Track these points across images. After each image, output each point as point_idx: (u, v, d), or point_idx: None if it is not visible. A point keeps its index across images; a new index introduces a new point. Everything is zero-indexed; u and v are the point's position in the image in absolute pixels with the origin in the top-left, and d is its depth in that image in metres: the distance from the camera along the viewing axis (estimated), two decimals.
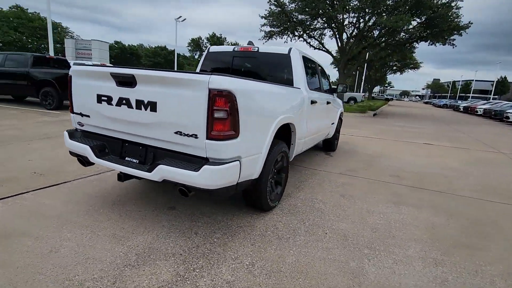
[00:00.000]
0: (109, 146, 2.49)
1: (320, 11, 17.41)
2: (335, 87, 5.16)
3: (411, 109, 32.24)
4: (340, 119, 6.19)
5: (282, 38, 20.95)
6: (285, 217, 2.83)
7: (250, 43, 3.85)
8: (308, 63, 4.02)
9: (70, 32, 33.57)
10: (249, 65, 3.85)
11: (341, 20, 18.83)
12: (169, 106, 2.06)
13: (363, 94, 27.55)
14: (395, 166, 5.10)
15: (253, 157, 2.35)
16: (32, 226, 2.34)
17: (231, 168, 2.07)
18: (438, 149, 7.20)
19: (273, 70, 3.68)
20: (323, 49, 20.89)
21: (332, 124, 5.31)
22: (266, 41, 20.83)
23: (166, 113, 2.07)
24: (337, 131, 6.07)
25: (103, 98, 2.33)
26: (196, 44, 49.13)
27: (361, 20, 18.78)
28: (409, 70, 32.50)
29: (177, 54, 55.23)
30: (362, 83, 37.57)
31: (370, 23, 18.49)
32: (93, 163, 2.49)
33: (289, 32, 20.34)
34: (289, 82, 3.51)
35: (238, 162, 2.14)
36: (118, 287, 1.75)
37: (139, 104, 2.16)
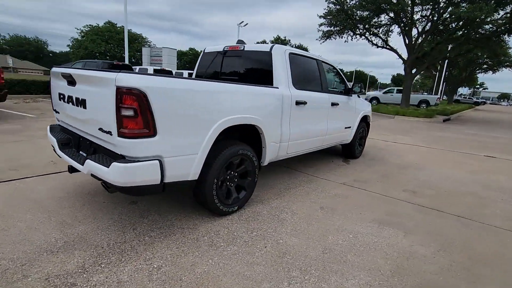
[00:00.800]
0: (73, 141, 2.73)
1: (383, 5, 15.90)
2: (351, 88, 4.63)
3: (504, 115, 26.90)
4: (366, 123, 5.55)
5: (341, 38, 19.89)
6: (236, 224, 2.65)
7: (239, 42, 3.74)
8: (302, 61, 3.71)
9: (148, 42, 39.17)
10: (236, 64, 3.75)
11: (410, 14, 16.86)
12: (93, 103, 2.15)
13: (438, 96, 24.04)
14: (420, 180, 4.32)
15: (185, 157, 2.28)
16: (8, 206, 2.71)
17: (146, 166, 2.04)
18: (497, 163, 5.83)
19: (256, 68, 3.50)
20: (387, 47, 19.02)
21: (347, 128, 4.78)
22: (323, 41, 20.06)
23: (91, 110, 2.17)
24: (361, 136, 5.45)
25: (60, 96, 2.57)
26: None
27: (435, 12, 16.48)
28: (504, 68, 26.96)
29: None
30: (442, 84, 32.94)
31: (445, 15, 16.08)
32: (78, 171, 2.47)
33: (349, 31, 19.18)
34: (270, 81, 3.29)
35: (158, 161, 2.09)
36: (24, 269, 1.89)
37: (77, 101, 2.30)
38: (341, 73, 4.70)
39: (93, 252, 2.11)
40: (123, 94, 1.90)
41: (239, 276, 1.95)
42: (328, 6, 18.41)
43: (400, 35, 18.13)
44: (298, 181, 3.97)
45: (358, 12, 17.67)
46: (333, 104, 4.18)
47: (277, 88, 3.21)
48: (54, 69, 2.74)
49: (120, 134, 1.97)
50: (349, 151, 5.31)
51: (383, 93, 24.60)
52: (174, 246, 2.25)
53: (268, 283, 1.89)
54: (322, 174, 4.34)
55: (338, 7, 17.98)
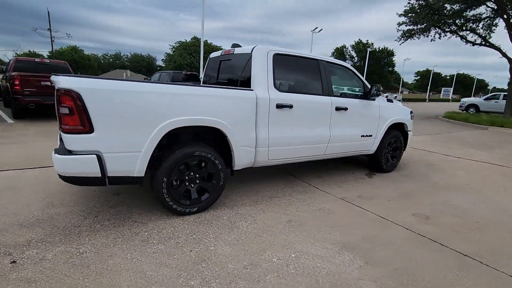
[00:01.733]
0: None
1: None
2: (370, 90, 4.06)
3: None
4: (402, 133, 4.75)
5: (426, 37, 17.46)
6: (186, 225, 2.66)
7: (234, 45, 3.74)
8: (293, 63, 3.47)
9: None
10: (228, 68, 3.75)
11: None
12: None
13: None
14: (449, 205, 3.45)
15: (126, 154, 2.43)
16: (27, 185, 3.37)
17: (82, 159, 2.27)
18: None
19: (240, 71, 3.43)
20: (487, 44, 15.73)
21: (366, 136, 4.19)
22: (403, 42, 17.98)
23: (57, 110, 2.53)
24: (394, 147, 4.70)
25: None
26: (339, 53, 48.11)
27: None
28: None
29: None
30: None
31: None
32: None
33: (437, 28, 16.70)
34: (250, 83, 3.19)
35: (96, 156, 2.30)
36: None
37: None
38: (359, 76, 4.17)
39: (47, 231, 2.44)
40: (61, 95, 2.17)
41: (139, 274, 1.96)
42: (409, 3, 16.47)
43: (505, 30, 14.78)
44: (291, 190, 3.69)
45: (447, 5, 15.23)
46: (338, 109, 3.74)
47: (252, 90, 3.09)
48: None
49: (62, 130, 2.25)
50: (374, 163, 4.64)
51: (485, 99, 20.35)
52: (112, 237, 2.41)
53: (159, 286, 1.85)
54: (327, 185, 3.92)
55: (421, 2, 15.90)
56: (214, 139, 3.04)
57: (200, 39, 42.87)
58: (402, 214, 3.14)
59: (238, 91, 2.99)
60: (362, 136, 4.16)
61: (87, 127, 2.24)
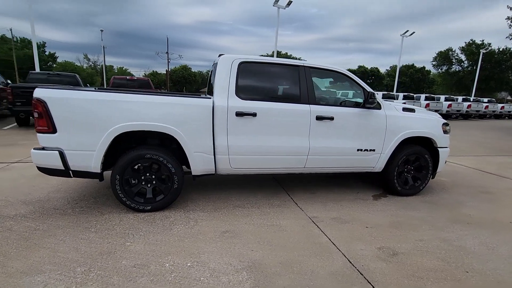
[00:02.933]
0: None
1: None
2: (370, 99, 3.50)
3: None
4: (428, 149, 3.90)
5: None
6: (125, 220, 2.91)
7: (220, 55, 3.85)
8: (263, 70, 3.36)
9: None
10: (212, 77, 3.88)
11: None
12: None
13: None
14: (451, 244, 2.66)
15: (83, 153, 2.87)
16: None
17: (47, 154, 2.81)
18: None
19: (213, 79, 3.51)
20: None
21: (364, 151, 3.61)
22: None
23: None
24: (418, 166, 3.90)
25: None
26: (444, 57, 40.80)
27: None
28: None
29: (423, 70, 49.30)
30: None
31: None
32: None
33: None
34: None
35: (58, 152, 2.81)
36: None
37: None
38: (359, 82, 3.65)
39: (31, 208, 3.09)
40: (34, 103, 2.77)
41: (56, 253, 2.29)
42: None
43: None
44: (265, 202, 3.53)
45: None
46: (320, 118, 3.39)
47: (209, 98, 3.15)
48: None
49: (35, 130, 2.85)
50: (385, 184, 3.94)
51: None
52: (68, 220, 2.87)
53: (54, 266, 2.13)
54: (311, 202, 3.57)
55: None
56: (177, 144, 3.22)
57: (280, 51, 44.58)
58: (365, 244, 2.61)
59: (191, 99, 3.12)
60: (359, 150, 3.61)
61: (51, 128, 2.78)
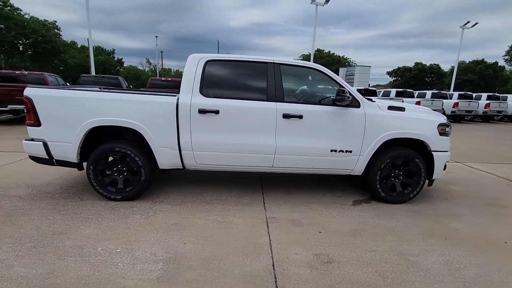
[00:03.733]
0: None
1: None
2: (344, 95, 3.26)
3: None
4: (423, 152, 3.49)
5: None
6: (101, 207, 3.20)
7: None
8: (230, 68, 3.37)
9: (352, 62, 40.23)
10: None
11: None
12: None
13: None
14: (404, 258, 2.37)
15: (62, 144, 3.23)
16: None
17: (33, 144, 3.24)
18: None
19: None
20: None
21: (342, 152, 3.38)
22: None
23: None
24: (407, 171, 3.53)
25: None
26: None
27: None
28: None
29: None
30: None
31: None
32: None
33: None
34: None
35: (42, 143, 3.23)
36: (8, 187, 3.69)
37: None
38: (336, 79, 3.42)
39: (30, 191, 3.59)
40: (24, 100, 3.22)
41: (18, 227, 2.66)
42: None
43: None
44: (234, 199, 3.54)
45: None
46: (287, 116, 3.28)
47: (173, 96, 3.29)
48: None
49: (26, 124, 3.31)
50: (370, 187, 3.62)
51: None
52: (51, 203, 3.27)
53: (11, 239, 2.48)
54: (279, 203, 3.48)
55: None
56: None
57: (323, 50, 43.16)
58: (304, 249, 2.47)
59: (156, 97, 3.28)
60: (333, 151, 3.40)
61: (36, 122, 3.20)
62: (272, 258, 2.33)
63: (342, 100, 3.21)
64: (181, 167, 3.46)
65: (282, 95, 3.35)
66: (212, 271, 2.14)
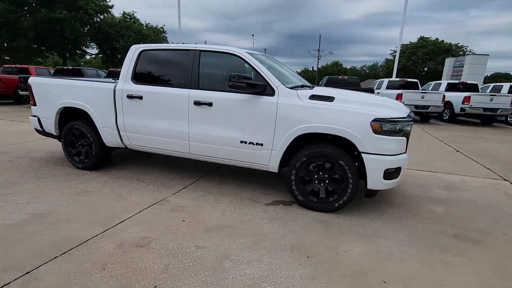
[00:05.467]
0: None
1: None
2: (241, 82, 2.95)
3: None
4: (355, 154, 2.86)
5: None
6: (73, 175, 4.01)
7: None
8: (161, 56, 3.57)
9: (469, 50, 30.75)
10: None
11: None
12: None
13: None
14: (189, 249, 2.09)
15: (47, 120, 4.19)
16: None
17: (33, 120, 4.32)
18: None
19: None
20: None
21: (252, 144, 3.10)
22: None
23: None
24: (333, 176, 2.95)
25: None
26: None
27: None
28: None
29: None
30: None
31: None
32: None
33: None
34: None
35: (37, 118, 4.27)
36: (28, 157, 5.03)
37: None
38: (254, 64, 3.13)
39: (45, 156, 4.78)
40: (27, 86, 4.32)
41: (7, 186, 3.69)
42: None
43: None
44: (164, 181, 3.76)
45: None
46: (198, 103, 3.25)
47: (112, 82, 3.74)
48: None
49: (30, 104, 4.42)
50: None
51: None
52: (48, 174, 4.30)
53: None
54: (194, 189, 3.50)
55: None
56: None
57: (428, 38, 34.96)
58: (143, 230, 2.50)
59: (98, 83, 3.81)
60: (242, 142, 3.15)
61: (33, 103, 4.26)
62: (107, 230, 2.49)
63: (236, 86, 2.94)
64: (123, 146, 3.92)
65: (197, 81, 3.33)
66: (49, 227, 2.49)
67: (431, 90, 12.80)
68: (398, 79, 13.58)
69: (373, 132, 2.72)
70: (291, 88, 3.10)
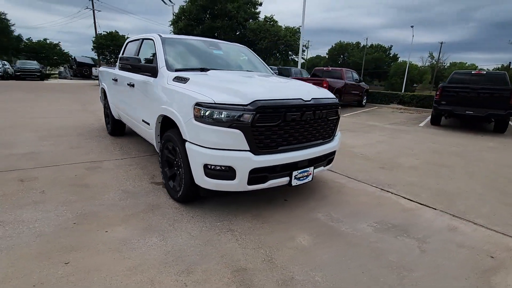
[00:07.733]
0: None
1: None
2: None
3: None
4: (173, 137, 2.64)
5: None
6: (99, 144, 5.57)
7: None
8: (134, 45, 4.21)
9: None
10: None
11: None
12: None
13: None
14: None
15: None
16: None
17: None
18: None
19: None
20: None
21: (145, 123, 3.31)
22: None
23: None
24: (178, 163, 2.77)
25: None
26: None
27: None
28: None
29: None
30: None
31: None
32: None
33: None
34: None
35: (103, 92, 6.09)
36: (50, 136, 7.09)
37: None
38: (156, 48, 3.27)
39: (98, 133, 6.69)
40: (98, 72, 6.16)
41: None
42: None
43: None
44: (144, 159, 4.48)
45: None
46: (129, 85, 3.76)
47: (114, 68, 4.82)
48: None
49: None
50: None
51: None
52: (92, 134, 6.11)
53: None
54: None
55: None
56: None
57: None
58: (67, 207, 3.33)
59: (108, 69, 4.97)
60: (144, 121, 3.39)
61: (100, 84, 6.08)
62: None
63: (123, 68, 3.22)
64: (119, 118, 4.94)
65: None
66: None
67: None
68: None
69: (194, 118, 2.33)
70: (176, 70, 3.04)
